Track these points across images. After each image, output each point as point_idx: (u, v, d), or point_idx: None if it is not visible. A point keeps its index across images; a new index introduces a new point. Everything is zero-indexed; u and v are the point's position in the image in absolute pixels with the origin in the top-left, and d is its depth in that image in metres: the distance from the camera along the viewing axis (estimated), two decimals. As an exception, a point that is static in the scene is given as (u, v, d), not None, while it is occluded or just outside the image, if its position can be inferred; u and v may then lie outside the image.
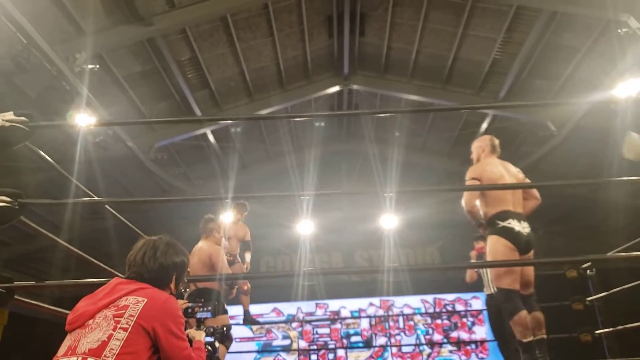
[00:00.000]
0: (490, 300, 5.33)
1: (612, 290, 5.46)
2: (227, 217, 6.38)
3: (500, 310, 4.99)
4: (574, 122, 7.94)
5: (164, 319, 1.82)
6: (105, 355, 1.69)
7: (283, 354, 10.56)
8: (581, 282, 5.88)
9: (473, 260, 5.86)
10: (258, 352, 10.40)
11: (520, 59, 7.79)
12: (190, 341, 2.15)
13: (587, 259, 5.69)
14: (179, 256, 2.07)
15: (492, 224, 3.59)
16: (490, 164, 3.81)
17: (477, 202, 3.69)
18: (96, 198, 3.11)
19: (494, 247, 3.51)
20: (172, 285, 2.06)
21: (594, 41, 7.02)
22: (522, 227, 3.55)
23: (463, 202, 3.69)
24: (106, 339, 1.73)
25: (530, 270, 3.69)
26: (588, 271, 6.46)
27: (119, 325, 1.76)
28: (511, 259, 3.49)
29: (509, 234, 3.49)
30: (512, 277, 3.49)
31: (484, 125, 9.64)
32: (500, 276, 3.53)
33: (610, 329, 6.13)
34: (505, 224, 3.51)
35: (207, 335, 2.52)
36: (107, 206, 3.46)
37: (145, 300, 1.84)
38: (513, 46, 7.78)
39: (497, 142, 4.02)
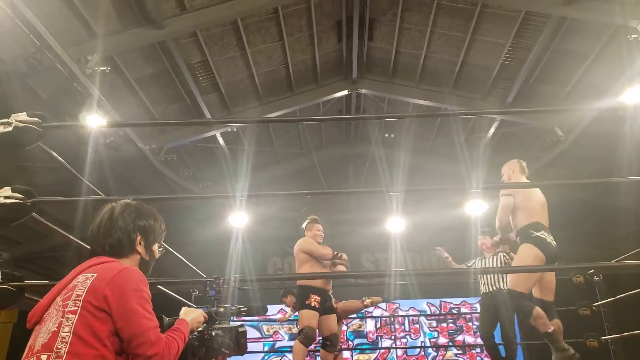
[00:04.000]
0: (487, 299, 5.28)
1: (618, 296, 5.47)
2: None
3: (498, 309, 5.05)
4: (582, 128, 7.94)
5: (116, 291, 1.52)
6: (57, 348, 1.45)
7: (289, 355, 10.62)
8: (588, 287, 5.89)
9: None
10: (266, 352, 10.47)
11: (528, 64, 7.81)
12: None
13: (592, 266, 5.71)
14: (141, 218, 1.81)
15: (525, 234, 3.84)
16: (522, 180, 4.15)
17: (510, 218, 3.99)
18: (104, 196, 3.16)
19: (525, 254, 3.76)
20: (141, 250, 1.79)
21: (602, 47, 7.03)
22: (551, 239, 3.81)
23: (498, 217, 3.99)
24: (56, 329, 1.49)
25: (553, 278, 4.01)
26: (595, 277, 6.46)
27: (67, 310, 1.50)
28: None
29: (542, 244, 3.75)
30: (531, 283, 3.82)
31: (492, 130, 9.66)
32: (521, 281, 3.76)
33: (617, 335, 6.12)
34: (539, 234, 3.78)
35: (219, 316, 2.09)
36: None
37: (95, 274, 1.57)
38: (521, 51, 7.80)
39: (524, 164, 4.30)
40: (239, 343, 2.10)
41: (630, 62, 6.24)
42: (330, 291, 5.06)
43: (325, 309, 4.83)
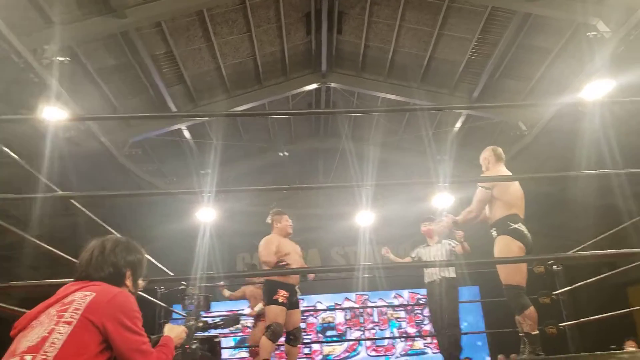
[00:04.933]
0: (433, 288, 5.27)
1: (576, 285, 5.65)
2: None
3: (445, 299, 5.08)
4: (544, 123, 8.10)
5: (114, 313, 1.69)
6: (45, 351, 1.55)
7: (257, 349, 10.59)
8: (548, 277, 6.04)
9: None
10: (234, 348, 10.39)
11: (494, 59, 7.92)
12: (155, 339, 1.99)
13: (553, 257, 5.86)
14: (131, 254, 1.96)
15: (503, 226, 3.82)
16: (500, 172, 4.09)
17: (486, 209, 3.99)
18: (60, 192, 3.05)
19: (508, 247, 3.74)
20: (129, 284, 1.93)
21: (564, 44, 7.18)
22: (527, 231, 3.83)
23: (473, 208, 3.98)
24: (47, 334, 1.60)
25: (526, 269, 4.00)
26: (554, 267, 6.64)
27: (62, 320, 1.63)
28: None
29: (520, 236, 3.76)
30: (522, 275, 3.77)
31: (458, 125, 9.78)
32: (511, 274, 3.75)
33: (574, 322, 6.32)
34: (516, 226, 3.78)
35: (198, 331, 2.33)
36: (73, 201, 3.40)
37: (94, 294, 1.72)
38: (487, 47, 7.90)
39: (500, 150, 4.25)
40: (215, 352, 2.38)
41: (589, 58, 6.37)
42: (297, 285, 5.03)
43: (291, 303, 4.81)
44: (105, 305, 1.69)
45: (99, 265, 1.85)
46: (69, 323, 1.62)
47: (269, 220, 5.15)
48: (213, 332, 3.14)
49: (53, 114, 5.72)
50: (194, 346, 2.21)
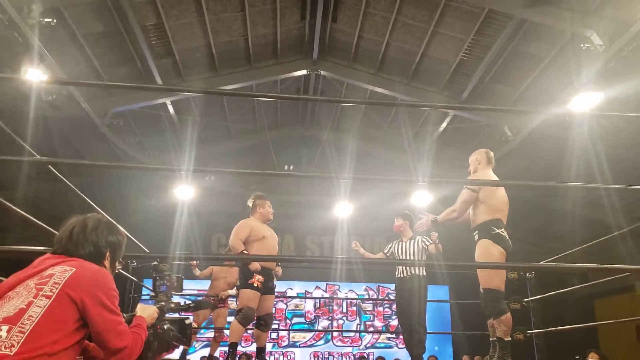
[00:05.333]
0: (402, 284, 5.27)
1: (547, 294, 5.75)
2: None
3: (411, 295, 5.09)
4: (530, 130, 8.17)
5: (93, 290, 1.69)
6: (22, 323, 1.55)
7: (227, 332, 10.57)
8: (520, 283, 6.12)
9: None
10: (203, 327, 10.33)
11: (485, 62, 7.93)
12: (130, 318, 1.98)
13: (522, 266, 5.95)
14: (112, 235, 1.95)
15: (486, 230, 3.83)
16: (488, 176, 4.07)
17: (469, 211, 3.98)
18: (38, 157, 2.96)
19: (489, 251, 3.75)
20: (107, 264, 1.92)
21: (557, 53, 7.22)
22: (508, 237, 3.85)
23: (456, 208, 3.97)
24: (25, 307, 1.59)
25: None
26: (527, 274, 6.75)
27: (41, 293, 1.63)
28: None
29: (502, 241, 3.78)
30: (501, 279, 3.80)
31: (444, 124, 9.81)
32: (491, 278, 3.77)
33: (542, 330, 6.45)
34: (499, 231, 3.79)
35: (169, 312, 2.26)
36: (50, 167, 3.30)
37: (74, 269, 1.71)
38: (480, 49, 7.90)
39: (492, 154, 4.25)
40: (185, 335, 2.26)
41: (580, 70, 6.43)
42: (274, 270, 5.01)
43: (266, 289, 4.78)
44: (86, 281, 1.69)
45: (80, 243, 1.84)
46: (48, 297, 1.62)
47: (249, 203, 5.06)
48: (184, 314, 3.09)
49: (36, 75, 5.55)
50: (165, 327, 2.16)
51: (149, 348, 2.02)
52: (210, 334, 9.47)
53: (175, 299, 2.47)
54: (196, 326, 6.39)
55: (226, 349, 4.95)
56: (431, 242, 5.24)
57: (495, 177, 4.16)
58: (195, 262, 6.37)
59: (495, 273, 3.77)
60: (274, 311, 5.39)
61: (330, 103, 10.62)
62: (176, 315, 2.33)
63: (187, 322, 2.30)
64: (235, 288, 6.37)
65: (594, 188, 6.92)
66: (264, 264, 4.73)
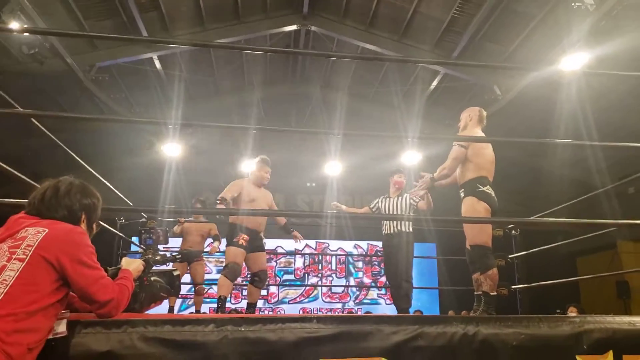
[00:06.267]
0: (389, 240, 5.33)
1: (531, 250, 5.89)
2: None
3: (400, 252, 5.14)
4: (519, 89, 8.17)
5: (68, 248, 1.69)
6: None
7: (215, 288, 10.72)
8: (505, 240, 6.26)
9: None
10: (190, 283, 10.48)
11: (477, 20, 7.82)
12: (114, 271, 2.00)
13: (513, 221, 6.06)
14: (86, 197, 1.91)
15: (471, 187, 3.87)
16: (477, 134, 4.08)
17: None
18: (20, 109, 2.91)
19: (474, 208, 3.79)
20: (84, 226, 1.90)
21: (548, 11, 7.13)
22: (494, 194, 3.89)
23: (447, 165, 3.97)
24: None
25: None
26: (513, 231, 6.89)
27: (14, 256, 1.62)
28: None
29: (487, 198, 3.81)
30: (488, 235, 3.84)
31: (434, 83, 9.76)
32: (477, 234, 3.83)
33: (525, 285, 6.63)
34: (484, 189, 3.83)
35: (156, 264, 2.29)
36: (33, 120, 3.26)
37: (47, 230, 1.71)
38: (472, 6, 7.78)
39: (485, 114, 4.23)
40: (174, 286, 2.32)
41: (570, 29, 6.39)
42: (261, 232, 5.04)
43: (254, 247, 4.87)
44: (60, 241, 1.69)
45: (53, 207, 1.82)
46: (21, 260, 1.62)
47: (253, 164, 5.18)
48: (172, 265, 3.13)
49: (17, 26, 5.41)
50: (152, 279, 2.21)
51: (136, 299, 2.06)
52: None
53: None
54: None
55: (213, 305, 5.06)
56: (419, 199, 5.27)
57: (482, 135, 4.19)
58: (182, 219, 6.41)
59: (481, 229, 3.83)
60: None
61: (320, 58, 10.46)
62: (164, 267, 2.37)
63: (175, 273, 2.35)
64: (215, 240, 6.47)
65: (580, 148, 7.01)
66: (250, 224, 4.82)
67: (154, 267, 2.28)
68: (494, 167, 4.01)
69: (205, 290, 7.18)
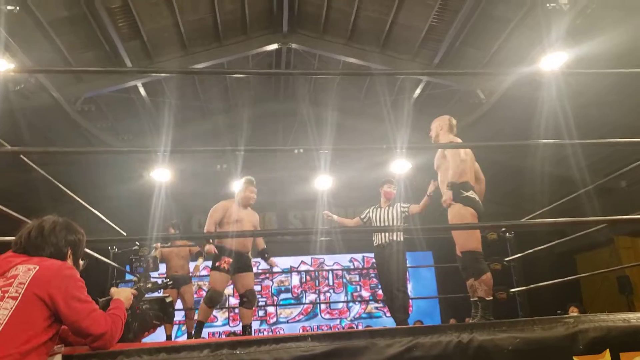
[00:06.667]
0: (380, 250, 5.31)
1: (527, 252, 5.88)
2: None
3: (392, 262, 5.12)
4: (502, 92, 8.26)
5: (59, 284, 1.71)
6: None
7: (215, 311, 10.63)
8: (500, 243, 6.25)
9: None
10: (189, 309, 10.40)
11: (455, 26, 7.93)
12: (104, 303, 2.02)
13: (506, 224, 6.08)
14: (71, 234, 1.96)
15: (456, 193, 3.87)
16: (451, 141, 4.13)
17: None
18: (9, 147, 2.93)
19: (461, 213, 3.80)
20: (69, 262, 1.93)
21: (525, 14, 7.25)
22: (479, 199, 3.92)
23: (455, 173, 3.87)
24: None
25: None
26: (507, 234, 6.90)
27: (6, 295, 1.63)
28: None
29: (472, 203, 3.84)
30: (477, 240, 3.87)
31: (417, 91, 9.85)
32: (467, 240, 3.85)
33: (524, 288, 6.62)
34: (468, 194, 3.85)
35: (148, 292, 2.30)
36: (22, 157, 3.27)
37: (37, 267, 1.73)
38: (449, 13, 7.90)
39: (454, 122, 4.29)
40: (167, 313, 2.34)
41: (547, 30, 6.49)
42: (247, 252, 5.02)
43: (239, 268, 4.88)
44: (51, 278, 1.71)
45: (39, 245, 1.85)
46: (14, 298, 1.63)
47: (237, 185, 5.22)
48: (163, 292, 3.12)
49: (2, 65, 5.43)
50: (144, 307, 2.23)
51: (130, 329, 2.07)
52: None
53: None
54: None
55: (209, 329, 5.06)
56: (409, 205, 5.28)
57: (459, 141, 4.22)
58: (158, 244, 6.37)
59: (470, 235, 3.84)
60: (260, 288, 5.48)
61: (305, 76, 10.54)
62: (156, 294, 2.37)
63: (167, 300, 2.34)
64: (199, 257, 6.47)
65: (565, 146, 7.08)
66: (234, 246, 4.83)
67: (146, 295, 2.28)
68: (473, 172, 4.06)
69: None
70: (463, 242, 3.88)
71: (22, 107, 6.81)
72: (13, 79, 6.31)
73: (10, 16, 5.79)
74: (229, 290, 10.45)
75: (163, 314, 2.30)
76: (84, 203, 4.54)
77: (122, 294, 2.09)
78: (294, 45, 9.53)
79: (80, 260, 2.01)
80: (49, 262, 1.78)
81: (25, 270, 1.71)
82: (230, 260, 4.77)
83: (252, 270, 5.08)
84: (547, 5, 6.30)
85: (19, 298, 1.62)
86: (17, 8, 5.92)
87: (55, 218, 1.97)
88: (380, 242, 5.33)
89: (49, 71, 6.92)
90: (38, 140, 8.06)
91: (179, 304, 6.35)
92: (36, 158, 3.69)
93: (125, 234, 5.55)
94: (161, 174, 8.83)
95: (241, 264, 4.89)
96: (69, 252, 1.93)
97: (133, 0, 7.37)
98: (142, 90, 9.24)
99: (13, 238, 1.92)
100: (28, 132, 7.29)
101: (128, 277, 7.35)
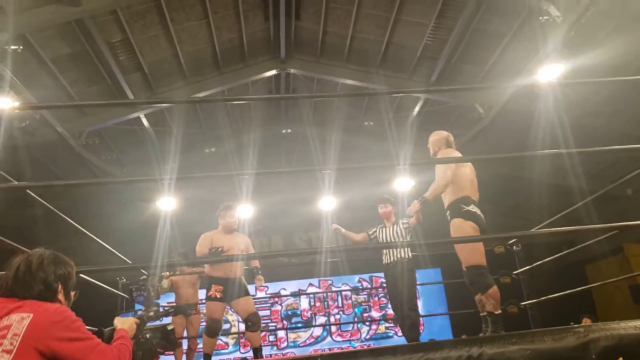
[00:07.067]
0: (389, 269, 5.26)
1: (535, 264, 5.84)
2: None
3: (402, 280, 5.06)
4: (501, 105, 8.32)
5: (58, 332, 1.62)
6: None
7: (223, 338, 10.57)
8: (508, 257, 6.20)
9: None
10: (198, 337, 10.33)
11: (450, 44, 8.05)
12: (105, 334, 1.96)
13: (514, 235, 6.06)
14: (60, 267, 1.84)
15: (456, 208, 3.86)
16: (450, 156, 4.12)
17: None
18: (16, 183, 2.97)
19: (462, 228, 3.78)
20: (61, 298, 1.82)
21: (518, 28, 7.35)
22: (480, 212, 3.87)
23: (440, 185, 3.91)
24: None
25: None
26: (515, 247, 6.85)
27: (1, 348, 1.53)
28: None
29: (473, 217, 3.80)
30: (481, 254, 3.82)
31: (416, 109, 9.93)
32: (470, 255, 3.81)
33: (534, 300, 6.54)
34: (469, 208, 3.82)
35: (150, 320, 2.29)
36: (29, 192, 3.32)
37: (31, 315, 1.63)
38: (443, 31, 8.02)
39: (452, 138, 4.27)
40: (169, 340, 2.29)
41: (542, 42, 6.56)
42: (238, 278, 4.93)
43: (234, 294, 4.83)
44: (48, 326, 1.62)
45: (27, 284, 1.74)
46: (8, 352, 1.54)
47: (217, 213, 5.15)
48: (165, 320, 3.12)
49: (7, 103, 5.54)
50: (147, 335, 2.20)
51: (134, 358, 2.04)
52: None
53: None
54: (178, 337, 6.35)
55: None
56: (410, 217, 5.24)
57: (458, 155, 4.23)
58: (167, 273, 6.35)
59: (474, 249, 3.81)
60: (269, 313, 5.45)
61: (304, 99, 10.65)
62: (157, 322, 2.38)
63: (169, 327, 2.32)
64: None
65: (567, 156, 7.10)
66: (221, 273, 4.82)
67: (148, 324, 2.27)
68: (474, 185, 4.03)
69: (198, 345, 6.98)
70: (467, 256, 3.85)
71: (28, 143, 6.91)
72: (18, 116, 6.42)
73: (14, 55, 5.91)
74: (235, 316, 10.41)
75: (165, 341, 2.27)
76: (90, 235, 4.58)
77: (126, 323, 2.05)
78: (292, 70, 9.67)
79: (71, 292, 1.90)
80: (42, 308, 1.68)
81: (19, 320, 1.60)
82: (221, 287, 4.77)
83: (248, 294, 5.01)
84: (540, 18, 6.38)
85: (14, 351, 1.53)
86: (21, 47, 6.05)
87: (41, 252, 1.86)
88: (389, 261, 5.30)
89: (53, 107, 7.04)
90: (44, 174, 8.14)
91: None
92: (41, 192, 3.73)
93: (130, 262, 5.57)
94: (167, 203, 8.88)
95: (234, 291, 4.85)
96: (59, 287, 1.82)
97: (133, 34, 7.53)
98: (145, 121, 9.37)
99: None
100: (32, 167, 7.38)
101: (137, 307, 7.34)
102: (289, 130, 11.77)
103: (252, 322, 4.89)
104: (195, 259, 5.28)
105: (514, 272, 5.88)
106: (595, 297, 10.77)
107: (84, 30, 6.94)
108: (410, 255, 5.24)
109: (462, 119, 9.45)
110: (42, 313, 1.64)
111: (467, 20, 7.52)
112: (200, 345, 5.29)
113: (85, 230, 4.44)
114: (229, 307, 5.10)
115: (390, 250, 5.30)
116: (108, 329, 2.03)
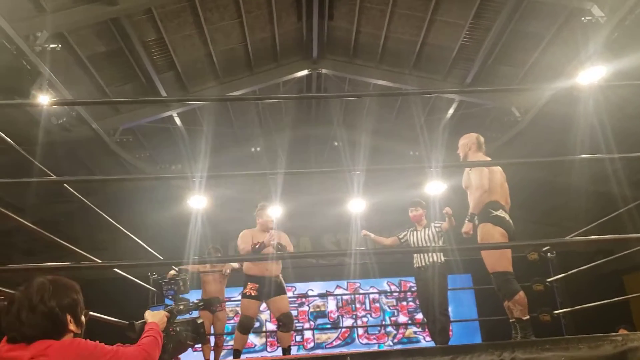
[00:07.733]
0: (420, 273, 5.21)
1: (570, 272, 5.67)
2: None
3: (433, 284, 5.01)
4: (538, 108, 8.10)
5: None
6: None
7: (252, 337, 10.60)
8: (542, 264, 6.04)
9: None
10: (227, 334, 10.39)
11: (486, 45, 7.89)
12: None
13: (549, 242, 5.89)
14: (64, 297, 1.68)
15: (485, 213, 3.82)
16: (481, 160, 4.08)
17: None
18: (53, 177, 3.01)
19: (490, 233, 3.74)
20: (73, 328, 1.70)
21: (558, 29, 7.16)
22: (509, 218, 3.82)
23: (480, 196, 3.85)
24: None
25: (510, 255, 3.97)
26: (549, 254, 6.68)
27: None
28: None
29: (501, 222, 3.76)
30: (507, 260, 3.77)
31: (450, 111, 9.77)
32: (497, 261, 3.75)
33: (568, 309, 6.36)
34: (497, 213, 3.77)
35: (180, 314, 2.35)
36: (66, 186, 3.36)
37: (49, 358, 1.54)
38: (480, 32, 7.87)
39: (482, 139, 4.23)
40: (199, 333, 2.35)
41: (583, 44, 6.37)
42: (274, 276, 4.95)
43: (270, 293, 4.88)
44: None
45: (32, 323, 1.59)
46: None
47: (255, 213, 5.33)
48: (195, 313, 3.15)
49: (45, 101, 5.66)
50: (177, 328, 2.25)
51: (165, 350, 2.08)
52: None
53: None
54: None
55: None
56: (442, 222, 5.18)
57: (488, 159, 4.15)
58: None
59: (501, 255, 3.74)
60: (297, 313, 5.45)
61: (336, 99, 10.61)
62: (187, 316, 2.40)
63: (199, 321, 2.39)
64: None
65: (610, 162, 6.86)
66: (256, 271, 4.90)
67: (178, 317, 2.32)
68: (505, 190, 3.96)
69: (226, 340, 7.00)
70: (493, 262, 3.77)
71: (64, 139, 7.04)
72: (55, 112, 6.54)
73: (52, 54, 6.04)
74: (265, 315, 10.44)
75: (195, 334, 2.33)
76: (125, 230, 4.63)
77: (156, 316, 2.10)
78: (324, 71, 9.64)
79: (82, 318, 1.77)
80: (57, 349, 1.58)
81: None
82: (256, 285, 4.83)
83: (284, 293, 5.05)
84: (583, 18, 6.19)
85: None
86: (59, 46, 6.17)
87: (39, 284, 1.68)
88: (420, 265, 5.24)
89: (89, 103, 7.17)
90: (79, 170, 8.30)
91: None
92: (77, 188, 3.78)
93: (162, 258, 5.62)
94: (198, 201, 8.95)
95: (270, 289, 4.89)
96: (68, 317, 1.68)
97: (167, 33, 7.61)
98: (177, 120, 9.47)
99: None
100: (68, 163, 7.53)
101: (167, 302, 7.41)
102: (319, 132, 11.73)
103: (283, 322, 4.93)
104: (227, 256, 5.34)
105: (548, 280, 5.73)
106: (633, 307, 10.42)
107: (120, 29, 7.04)
108: (442, 259, 5.19)
109: (497, 122, 9.25)
110: (58, 353, 1.56)
111: (505, 20, 7.35)
112: (227, 342, 5.34)
113: (119, 226, 4.49)
114: (264, 305, 5.16)
115: (422, 253, 5.23)
116: (139, 322, 2.06)
